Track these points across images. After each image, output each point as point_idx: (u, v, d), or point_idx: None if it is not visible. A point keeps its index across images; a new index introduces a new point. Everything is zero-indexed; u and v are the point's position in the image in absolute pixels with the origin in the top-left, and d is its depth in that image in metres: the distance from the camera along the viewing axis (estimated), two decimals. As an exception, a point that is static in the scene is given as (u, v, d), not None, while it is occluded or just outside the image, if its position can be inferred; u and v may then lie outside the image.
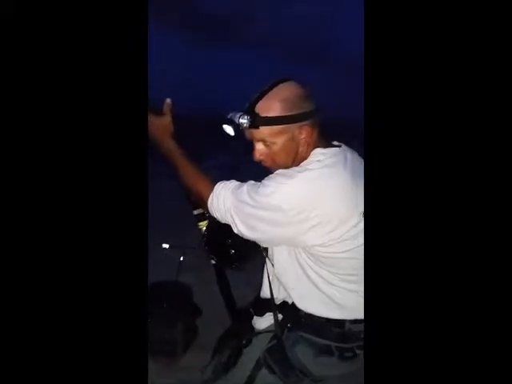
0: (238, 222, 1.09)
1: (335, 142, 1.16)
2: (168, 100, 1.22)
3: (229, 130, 1.10)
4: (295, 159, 1.10)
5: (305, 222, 1.01)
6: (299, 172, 1.03)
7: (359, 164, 1.11)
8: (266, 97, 1.06)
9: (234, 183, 1.14)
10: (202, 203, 1.18)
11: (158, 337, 2.08)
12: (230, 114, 1.08)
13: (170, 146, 1.20)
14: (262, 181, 1.07)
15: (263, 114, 1.05)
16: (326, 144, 1.12)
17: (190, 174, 1.19)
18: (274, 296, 1.20)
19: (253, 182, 1.11)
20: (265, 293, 1.24)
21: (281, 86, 1.07)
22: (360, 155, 1.12)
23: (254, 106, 1.06)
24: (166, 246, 1.78)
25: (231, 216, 1.10)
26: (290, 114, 1.04)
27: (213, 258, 1.16)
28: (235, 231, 1.11)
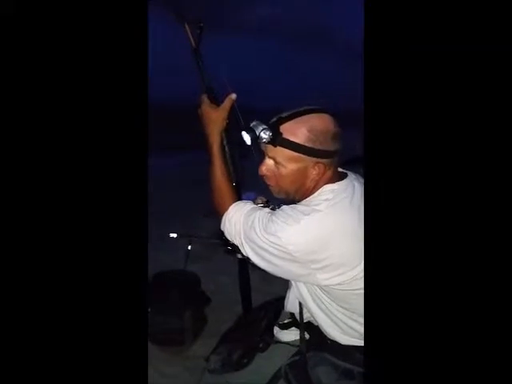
0: (247, 248, 1.07)
1: (340, 169, 1.11)
2: (232, 95, 1.16)
3: (246, 138, 1.06)
4: (299, 190, 1.06)
5: (312, 264, 0.98)
6: (306, 214, 0.99)
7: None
8: (295, 120, 1.01)
9: (248, 206, 1.11)
10: (218, 215, 1.16)
11: (166, 325, 2.09)
12: (254, 123, 1.05)
13: (214, 142, 1.17)
14: (272, 215, 1.03)
15: (286, 136, 1.01)
16: (336, 175, 1.08)
17: (219, 181, 1.17)
18: (297, 313, 1.19)
19: (267, 210, 1.08)
20: (289, 307, 1.23)
21: (315, 115, 1.02)
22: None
23: (280, 125, 1.02)
24: (173, 235, 1.78)
25: (240, 240, 1.08)
26: (312, 146, 1.00)
27: (235, 251, 1.15)
28: (244, 254, 1.10)
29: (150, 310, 2.02)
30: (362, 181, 1.10)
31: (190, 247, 1.88)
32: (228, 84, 1.17)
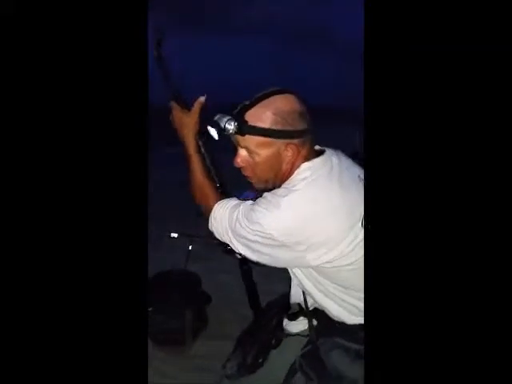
0: (235, 243, 1.06)
1: (317, 147, 1.09)
2: (201, 98, 1.17)
3: (213, 132, 1.04)
4: (277, 175, 1.04)
5: (298, 246, 0.97)
6: (284, 196, 0.97)
7: (345, 165, 1.05)
8: (259, 105, 0.99)
9: (232, 202, 1.10)
10: (204, 217, 1.15)
11: (167, 325, 2.09)
12: (217, 117, 1.02)
13: (189, 146, 1.17)
14: (253, 204, 1.02)
15: (252, 123, 0.98)
16: (312, 153, 1.05)
17: (200, 183, 1.16)
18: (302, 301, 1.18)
19: (250, 202, 1.06)
20: (294, 298, 1.22)
21: (278, 97, 0.99)
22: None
23: (245, 113, 0.99)
24: (174, 235, 1.78)
25: (229, 237, 1.07)
26: (279, 128, 0.98)
27: (233, 250, 1.14)
28: (236, 251, 1.09)
29: (150, 309, 2.02)
30: (342, 155, 1.09)
31: (190, 247, 1.89)
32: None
